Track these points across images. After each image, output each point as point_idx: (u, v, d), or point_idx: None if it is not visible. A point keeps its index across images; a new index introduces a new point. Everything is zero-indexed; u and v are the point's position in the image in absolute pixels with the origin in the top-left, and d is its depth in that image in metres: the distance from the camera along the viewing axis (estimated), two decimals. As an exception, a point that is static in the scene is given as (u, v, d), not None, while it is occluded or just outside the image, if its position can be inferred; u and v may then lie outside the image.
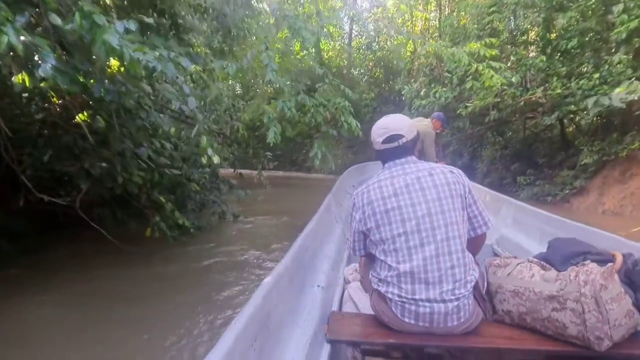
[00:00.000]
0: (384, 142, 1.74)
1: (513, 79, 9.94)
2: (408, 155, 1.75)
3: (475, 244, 1.75)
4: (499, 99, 11.10)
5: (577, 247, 1.91)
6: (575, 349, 1.49)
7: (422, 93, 13.72)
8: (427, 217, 1.60)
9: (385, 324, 1.70)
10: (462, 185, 1.67)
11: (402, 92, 14.92)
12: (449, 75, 12.51)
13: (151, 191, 4.99)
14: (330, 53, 27.48)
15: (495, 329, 1.67)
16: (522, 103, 10.75)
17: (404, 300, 1.58)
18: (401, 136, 1.73)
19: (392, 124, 1.76)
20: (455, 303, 1.55)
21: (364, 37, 26.31)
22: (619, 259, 1.81)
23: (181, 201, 6.21)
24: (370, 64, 25.54)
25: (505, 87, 10.02)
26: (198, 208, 6.84)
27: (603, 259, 1.79)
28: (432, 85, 13.21)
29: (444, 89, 12.65)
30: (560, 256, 1.85)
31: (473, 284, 1.61)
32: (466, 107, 11.50)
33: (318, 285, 2.16)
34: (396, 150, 1.74)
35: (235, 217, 7.06)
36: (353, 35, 26.81)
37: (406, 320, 1.60)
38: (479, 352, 1.68)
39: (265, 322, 1.36)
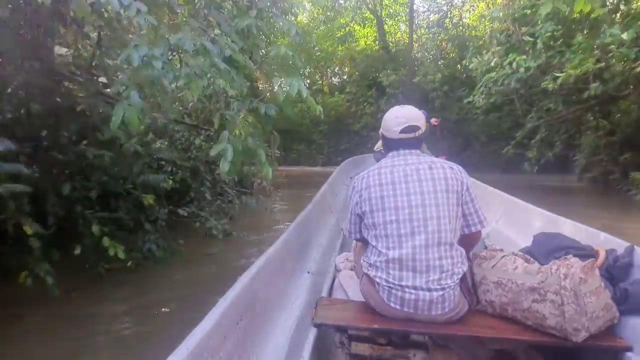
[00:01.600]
0: (402, 131, 1.76)
1: (624, 36, 6.89)
2: (417, 148, 1.79)
3: (468, 241, 1.79)
4: (602, 64, 7.91)
5: (561, 241, 1.96)
6: (554, 340, 1.54)
7: (492, 63, 10.56)
8: (420, 208, 1.64)
9: (372, 310, 1.75)
10: (460, 182, 1.70)
11: (470, 67, 12.40)
12: (531, 40, 9.46)
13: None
14: (398, 35, 26.42)
15: (478, 319, 1.71)
16: (638, 69, 7.50)
17: (391, 285, 1.63)
18: (418, 128, 1.77)
19: (410, 115, 1.79)
20: (441, 292, 1.59)
21: (433, 13, 24.18)
22: (602, 254, 1.86)
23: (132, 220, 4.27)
24: (443, 43, 22.99)
25: (612, 47, 7.17)
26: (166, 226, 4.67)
27: (585, 253, 1.84)
28: (509, 55, 9.97)
29: (524, 57, 9.49)
30: (544, 250, 1.91)
31: (460, 276, 1.65)
32: (555, 78, 8.47)
33: (308, 272, 2.20)
34: (411, 141, 1.77)
35: (225, 234, 5.40)
36: (422, 11, 25.25)
37: (392, 305, 1.64)
38: (462, 340, 1.73)
39: (252, 303, 1.40)
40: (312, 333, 1.67)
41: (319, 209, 3.43)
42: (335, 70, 28.74)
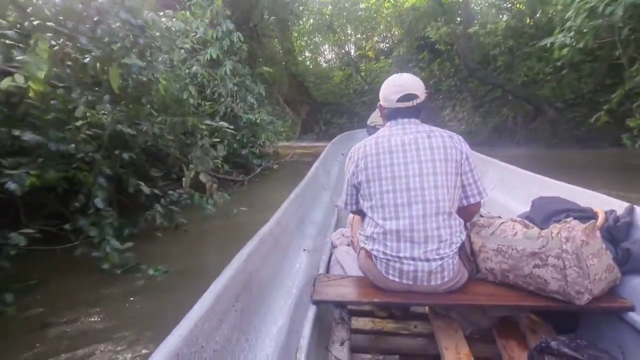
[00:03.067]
0: (399, 100, 1.71)
1: None
2: (417, 117, 1.74)
3: (467, 212, 1.75)
4: None
5: (560, 205, 1.93)
6: (557, 304, 1.52)
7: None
8: (417, 177, 1.60)
9: (371, 284, 1.72)
10: (459, 151, 1.65)
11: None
12: None
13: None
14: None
15: (478, 287, 1.69)
16: None
17: (389, 257, 1.59)
18: (416, 96, 1.71)
19: (407, 83, 1.74)
20: (440, 262, 1.56)
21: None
22: (602, 215, 1.84)
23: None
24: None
25: None
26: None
27: (585, 215, 1.81)
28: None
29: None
30: (543, 214, 1.87)
31: (459, 245, 1.62)
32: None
33: (304, 249, 2.16)
34: (409, 110, 1.72)
35: (179, 226, 4.68)
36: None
37: (390, 277, 1.61)
38: (463, 309, 1.71)
39: (248, 284, 1.35)
40: (312, 310, 1.64)
41: (312, 186, 3.38)
42: (381, 32, 25.66)
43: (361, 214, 1.84)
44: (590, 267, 1.46)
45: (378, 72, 21.28)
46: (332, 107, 21.94)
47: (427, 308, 1.83)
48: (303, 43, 25.39)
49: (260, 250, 1.57)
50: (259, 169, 9.11)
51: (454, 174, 1.63)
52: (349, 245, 2.40)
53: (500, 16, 18.03)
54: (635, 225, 1.80)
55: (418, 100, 1.70)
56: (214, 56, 8.16)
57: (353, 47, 27.34)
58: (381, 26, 24.73)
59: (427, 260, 1.56)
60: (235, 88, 8.67)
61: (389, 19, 22.72)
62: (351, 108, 21.83)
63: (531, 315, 1.73)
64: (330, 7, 23.94)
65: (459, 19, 18.31)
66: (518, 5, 17.34)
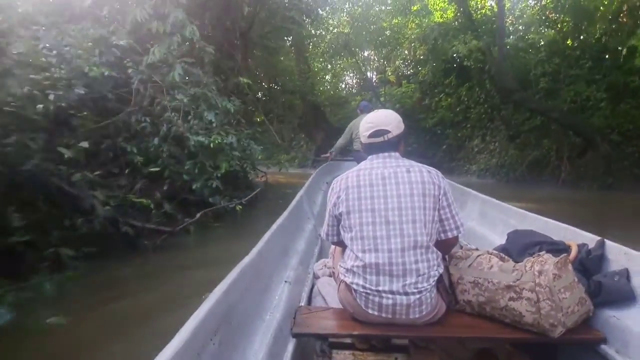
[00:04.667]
0: (369, 136, 1.77)
1: None
2: (393, 151, 1.78)
3: (445, 245, 1.78)
4: None
5: (534, 238, 1.99)
6: (532, 336, 1.55)
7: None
8: (396, 211, 1.63)
9: (351, 316, 1.73)
10: (437, 186, 1.69)
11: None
12: None
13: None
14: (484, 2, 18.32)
15: (456, 319, 1.72)
16: None
17: (368, 291, 1.61)
18: (387, 131, 1.75)
19: (378, 119, 1.79)
20: (418, 296, 1.58)
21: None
22: (574, 248, 1.90)
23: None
24: (548, 13, 15.23)
25: None
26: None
27: (558, 248, 1.87)
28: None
29: None
30: (518, 247, 1.93)
31: (437, 278, 1.65)
32: None
33: (286, 281, 2.16)
34: (381, 145, 1.76)
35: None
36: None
37: (370, 311, 1.63)
38: (442, 341, 1.73)
39: (227, 316, 1.35)
40: (292, 343, 1.64)
41: (295, 215, 3.40)
42: (404, 55, 22.65)
43: (342, 245, 1.86)
44: (562, 300, 1.50)
45: (400, 98, 19.37)
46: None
47: (407, 340, 1.85)
48: (320, 65, 23.72)
49: (241, 282, 1.57)
50: (197, 215, 6.07)
51: (432, 208, 1.67)
52: (330, 276, 2.40)
53: (543, 30, 15.55)
54: (606, 258, 1.86)
55: (390, 135, 1.75)
56: (157, 56, 5.95)
57: (374, 73, 25.27)
58: (405, 51, 22.15)
59: (406, 294, 1.58)
60: (186, 100, 6.49)
61: (413, 43, 19.84)
62: None
63: (509, 347, 1.76)
64: (348, 28, 21.80)
65: (488, 34, 15.42)
66: (562, 24, 14.52)
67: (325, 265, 2.60)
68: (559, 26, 14.76)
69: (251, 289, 1.69)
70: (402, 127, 1.81)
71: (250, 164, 8.87)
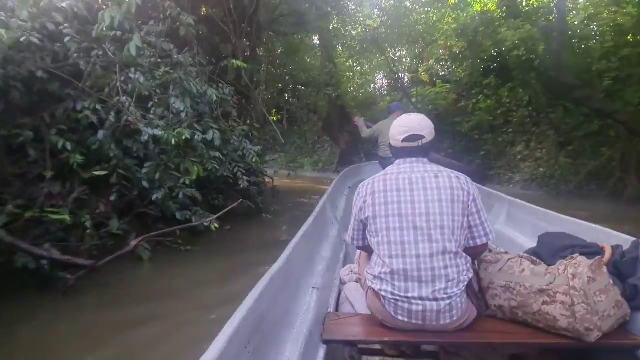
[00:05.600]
0: (404, 140, 1.76)
1: None
2: (423, 156, 1.78)
3: (474, 252, 1.76)
4: None
5: (566, 240, 1.95)
6: (567, 341, 1.52)
7: None
8: (424, 216, 1.62)
9: (380, 323, 1.73)
10: (467, 193, 1.67)
11: None
12: None
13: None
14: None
15: (488, 324, 1.69)
16: None
17: (397, 298, 1.60)
18: (422, 137, 1.75)
19: (413, 124, 1.78)
20: (448, 302, 1.57)
21: None
22: (608, 251, 1.85)
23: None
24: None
25: None
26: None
27: (591, 251, 1.83)
28: None
29: None
30: (550, 250, 1.89)
31: (466, 283, 1.63)
32: None
33: (313, 287, 2.18)
34: (414, 150, 1.76)
35: None
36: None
37: (399, 318, 1.62)
38: (474, 347, 1.71)
39: (259, 324, 1.37)
40: (322, 349, 1.65)
41: (320, 221, 3.41)
42: (440, 52, 19.92)
43: (368, 250, 1.86)
44: (598, 304, 1.47)
45: (433, 99, 17.28)
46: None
47: (437, 346, 1.83)
48: (346, 62, 21.34)
49: (271, 290, 1.59)
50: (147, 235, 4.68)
51: (461, 215, 1.65)
52: (357, 282, 2.40)
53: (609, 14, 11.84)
54: None
55: (424, 141, 1.75)
56: (107, 21, 4.28)
57: (405, 72, 22.47)
58: (440, 49, 19.59)
59: (436, 299, 1.57)
60: (143, 81, 4.81)
61: (449, 39, 17.22)
62: None
63: (542, 352, 1.73)
64: (378, 22, 19.37)
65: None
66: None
67: (351, 271, 2.60)
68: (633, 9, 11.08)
69: (280, 296, 1.71)
70: (434, 133, 1.81)
71: (246, 168, 7.17)
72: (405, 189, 1.68)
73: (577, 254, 1.64)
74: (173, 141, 4.69)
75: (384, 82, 25.07)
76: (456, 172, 1.76)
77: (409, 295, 1.58)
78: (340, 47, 19.65)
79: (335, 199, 5.21)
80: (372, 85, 24.98)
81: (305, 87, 15.61)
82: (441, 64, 20.56)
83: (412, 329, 1.63)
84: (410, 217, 1.63)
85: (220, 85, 6.44)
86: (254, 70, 8.64)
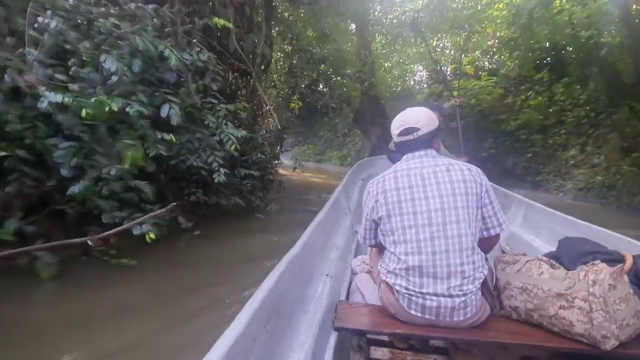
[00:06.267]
0: (399, 134, 1.78)
1: None
2: (426, 148, 1.76)
3: (487, 243, 1.75)
4: None
5: (587, 246, 1.91)
6: (581, 347, 1.50)
7: None
8: (439, 212, 1.61)
9: (391, 315, 1.73)
10: (480, 184, 1.66)
11: None
12: None
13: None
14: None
15: (501, 324, 1.68)
16: None
17: (412, 292, 1.60)
18: (417, 129, 1.74)
19: (408, 117, 1.79)
20: (463, 298, 1.56)
21: None
22: (629, 259, 1.81)
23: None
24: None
25: None
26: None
27: (613, 258, 1.79)
28: None
29: None
30: (570, 255, 1.86)
31: (481, 280, 1.62)
32: None
33: (327, 275, 2.19)
34: (412, 142, 1.76)
35: None
36: None
37: (412, 312, 1.62)
38: (485, 346, 1.70)
39: (277, 306, 1.39)
40: (334, 336, 1.66)
41: (333, 211, 3.42)
42: (487, 42, 17.73)
43: (380, 247, 1.85)
44: (617, 312, 1.45)
45: (476, 93, 15.34)
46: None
47: (446, 342, 1.83)
48: (382, 48, 19.45)
49: (288, 274, 1.60)
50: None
51: (475, 207, 1.64)
52: (368, 273, 2.41)
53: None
54: None
55: (420, 133, 1.74)
56: None
57: (448, 65, 20.06)
58: (487, 41, 17.47)
59: (450, 296, 1.56)
60: (56, 25, 3.56)
61: (499, 26, 15.31)
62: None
63: (555, 356, 1.71)
64: (420, 2, 17.12)
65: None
66: None
67: (363, 262, 2.61)
68: None
69: (296, 281, 1.72)
70: (434, 123, 1.79)
71: (246, 158, 6.34)
72: (417, 185, 1.66)
73: (599, 261, 1.61)
74: (84, 112, 3.41)
75: (424, 74, 22.74)
76: (467, 164, 1.74)
77: (424, 290, 1.58)
78: (376, 33, 18.27)
79: (349, 190, 5.22)
80: (409, 75, 22.80)
81: (338, 76, 14.56)
82: (488, 55, 18.49)
83: (424, 323, 1.63)
84: (425, 214, 1.62)
85: (198, 50, 4.96)
86: (257, 43, 7.12)
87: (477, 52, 18.36)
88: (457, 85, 16.84)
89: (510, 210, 3.94)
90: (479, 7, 15.89)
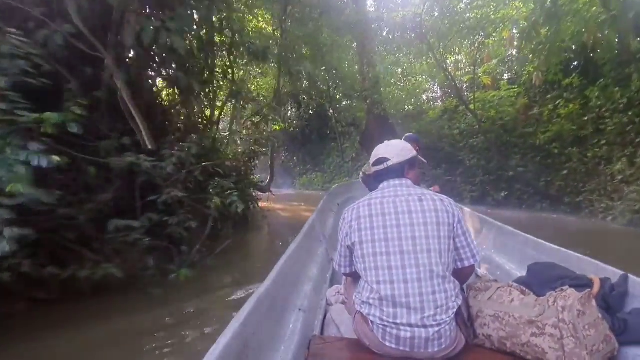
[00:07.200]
0: (373, 164, 1.88)
1: None
2: (399, 178, 1.80)
3: (462, 274, 1.75)
4: None
5: (556, 271, 1.94)
6: None
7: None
8: (410, 240, 1.61)
9: (366, 348, 1.69)
10: (452, 215, 1.68)
11: None
12: None
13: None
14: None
15: (476, 354, 1.67)
16: None
17: (386, 324, 1.58)
18: (387, 159, 1.82)
19: (381, 149, 1.89)
20: (437, 329, 1.55)
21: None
22: (597, 283, 1.85)
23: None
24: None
25: None
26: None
27: (581, 283, 1.83)
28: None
29: None
30: (540, 281, 1.89)
31: (455, 310, 1.61)
32: None
33: (299, 309, 2.14)
34: (383, 172, 1.83)
35: None
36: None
37: (387, 344, 1.59)
38: None
39: (244, 350, 1.33)
40: None
41: (308, 239, 3.39)
42: (504, 46, 14.19)
43: (355, 276, 1.84)
44: (587, 338, 1.46)
45: (496, 105, 13.62)
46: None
47: None
48: (387, 61, 17.46)
49: (257, 313, 1.56)
50: None
51: (447, 237, 1.65)
52: (343, 304, 2.37)
53: None
54: (630, 295, 1.81)
55: (389, 163, 1.81)
56: None
57: (461, 78, 17.69)
58: (504, 50, 14.93)
59: (425, 326, 1.54)
60: None
61: (519, 26, 11.73)
62: (454, 154, 13.81)
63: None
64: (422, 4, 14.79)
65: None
66: None
67: (338, 292, 2.57)
68: None
69: (266, 319, 1.67)
70: (405, 155, 1.85)
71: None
72: (390, 212, 1.68)
73: (567, 286, 1.63)
74: None
75: (437, 90, 20.83)
76: (440, 194, 1.77)
77: (398, 321, 1.56)
78: (378, 46, 16.80)
79: (324, 216, 5.18)
80: (422, 92, 20.69)
81: (341, 95, 14.03)
82: (506, 61, 16.17)
83: (400, 356, 1.60)
84: (396, 242, 1.62)
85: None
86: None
87: (493, 61, 15.66)
88: (472, 97, 14.73)
89: (482, 234, 3.98)
90: (492, 7, 13.67)
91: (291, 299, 2.19)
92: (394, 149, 1.86)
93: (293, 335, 1.84)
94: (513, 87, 14.04)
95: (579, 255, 2.34)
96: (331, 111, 14.82)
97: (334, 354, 1.71)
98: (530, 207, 11.13)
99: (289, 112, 22.83)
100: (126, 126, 4.85)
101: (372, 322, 1.62)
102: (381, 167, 1.83)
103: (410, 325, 1.55)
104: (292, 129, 23.03)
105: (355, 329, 1.76)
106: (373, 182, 1.90)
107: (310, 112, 22.03)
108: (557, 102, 12.08)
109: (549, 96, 12.65)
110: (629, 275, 1.87)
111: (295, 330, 1.89)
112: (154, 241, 4.52)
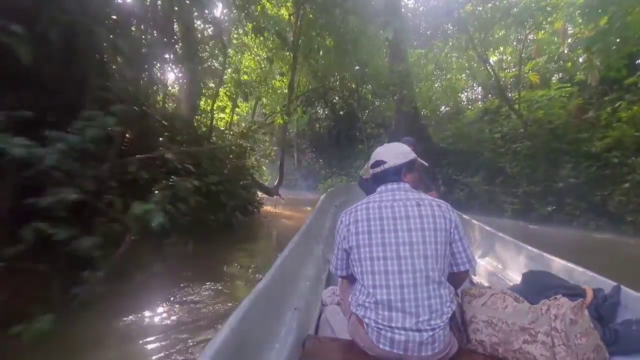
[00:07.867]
0: (371, 167, 1.88)
1: None
2: (397, 181, 1.80)
3: (456, 279, 1.77)
4: None
5: (550, 280, 1.97)
6: None
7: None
8: (407, 245, 1.62)
9: (360, 350, 1.71)
10: (449, 220, 1.69)
11: None
12: None
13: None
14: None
15: (468, 358, 1.69)
16: None
17: (380, 326, 1.59)
18: (383, 162, 1.82)
19: (379, 151, 1.89)
20: (431, 333, 1.56)
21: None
22: (590, 294, 1.87)
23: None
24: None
25: None
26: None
27: (574, 293, 1.85)
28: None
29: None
30: (534, 289, 1.91)
31: (449, 315, 1.63)
32: None
33: (295, 308, 2.15)
34: (380, 174, 1.83)
35: None
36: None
37: (381, 346, 1.61)
38: None
39: (240, 347, 1.35)
40: None
41: (305, 240, 3.40)
42: (556, 37, 12.33)
43: (350, 278, 1.85)
44: (578, 346, 1.48)
45: (545, 106, 11.67)
46: (460, 158, 13.08)
47: None
48: (417, 54, 15.99)
49: (255, 310, 1.57)
50: None
51: (443, 243, 1.66)
52: (338, 305, 2.38)
53: None
54: (622, 305, 1.83)
55: (386, 165, 1.82)
56: None
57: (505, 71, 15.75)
58: (554, 47, 12.99)
59: (419, 330, 1.56)
60: None
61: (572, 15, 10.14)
62: (493, 161, 12.32)
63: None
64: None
65: None
66: None
67: (334, 293, 2.58)
68: None
69: (263, 317, 1.69)
70: (402, 158, 1.84)
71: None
72: (388, 217, 1.68)
73: (560, 295, 1.65)
74: None
75: (478, 90, 18.82)
76: (437, 200, 1.78)
77: (392, 325, 1.58)
78: (411, 35, 15.13)
79: (321, 218, 5.19)
80: (462, 92, 18.78)
81: (373, 95, 13.23)
82: (559, 58, 13.80)
83: (393, 358, 1.61)
84: (393, 247, 1.63)
85: None
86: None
87: (543, 57, 13.82)
88: (517, 97, 12.87)
89: (477, 241, 4.00)
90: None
91: (287, 298, 2.21)
92: (392, 152, 1.87)
93: (288, 334, 1.86)
94: (565, 85, 11.90)
95: (573, 265, 2.36)
96: (361, 111, 14.16)
97: (327, 354, 1.73)
98: (583, 225, 9.43)
99: (319, 111, 22.61)
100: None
101: (367, 324, 1.64)
102: (379, 169, 1.83)
103: (404, 329, 1.57)
104: (320, 129, 22.80)
105: (350, 330, 1.77)
106: (371, 185, 1.90)
107: (341, 112, 21.43)
108: (618, 104, 10.30)
109: (607, 97, 10.91)
110: (621, 286, 1.89)
111: (290, 329, 1.91)
112: (34, 264, 3.12)
